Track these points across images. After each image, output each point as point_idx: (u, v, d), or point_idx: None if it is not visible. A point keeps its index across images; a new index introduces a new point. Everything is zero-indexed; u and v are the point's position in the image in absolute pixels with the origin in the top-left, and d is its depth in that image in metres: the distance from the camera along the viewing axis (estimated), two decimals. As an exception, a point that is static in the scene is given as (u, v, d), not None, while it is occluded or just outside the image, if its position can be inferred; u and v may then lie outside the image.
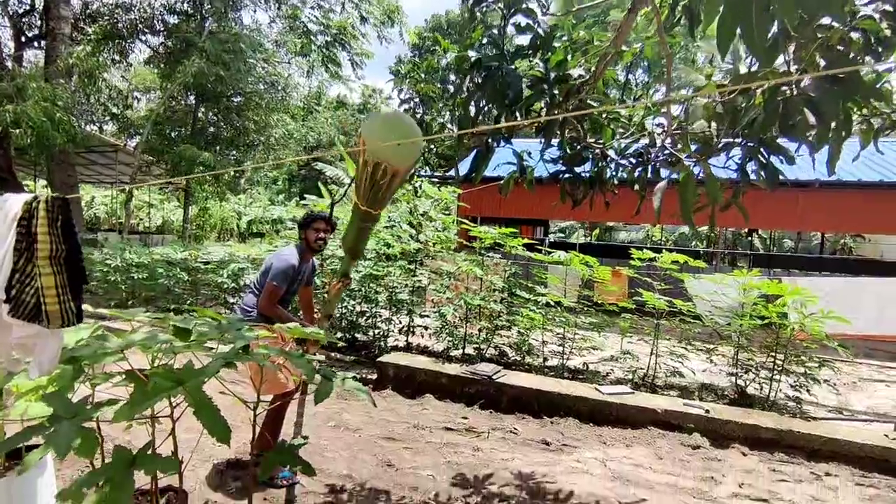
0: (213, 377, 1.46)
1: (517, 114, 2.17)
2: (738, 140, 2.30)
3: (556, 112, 2.00)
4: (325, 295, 3.15)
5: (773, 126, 1.66)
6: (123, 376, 1.35)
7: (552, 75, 1.91)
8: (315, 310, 3.53)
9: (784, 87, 1.59)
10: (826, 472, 3.37)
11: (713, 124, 2.36)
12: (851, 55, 1.64)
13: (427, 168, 3.82)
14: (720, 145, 2.35)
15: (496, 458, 3.41)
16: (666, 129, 2.32)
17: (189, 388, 1.15)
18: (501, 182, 3.02)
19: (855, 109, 1.97)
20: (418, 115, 3.04)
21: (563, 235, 25.52)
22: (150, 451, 1.31)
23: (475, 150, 2.60)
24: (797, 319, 4.44)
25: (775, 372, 4.60)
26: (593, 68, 1.96)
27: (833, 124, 1.71)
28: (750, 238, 18.46)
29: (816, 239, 23.07)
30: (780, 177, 2.38)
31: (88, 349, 1.40)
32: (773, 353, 4.62)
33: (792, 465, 3.47)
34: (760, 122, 1.73)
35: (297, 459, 1.48)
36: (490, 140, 2.42)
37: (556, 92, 1.90)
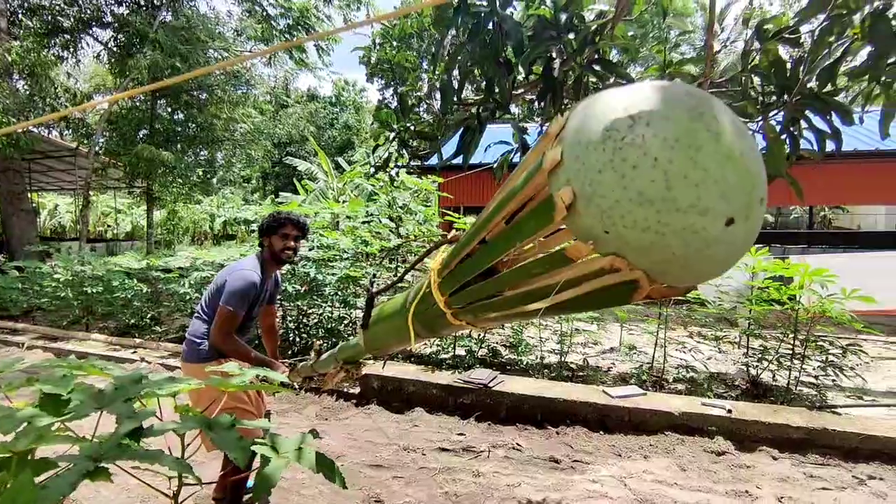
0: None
1: (517, 74, 1.69)
2: (785, 98, 1.86)
3: (568, 68, 1.54)
4: (311, 359, 2.28)
5: (886, 60, 1.22)
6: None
7: (562, 17, 1.44)
8: (279, 340, 2.90)
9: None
10: (869, 474, 3.02)
11: (755, 79, 1.91)
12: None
13: (404, 151, 3.30)
14: (764, 105, 1.90)
15: (500, 484, 2.97)
16: (698, 86, 1.87)
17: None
18: (490, 166, 2.55)
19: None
20: (396, 92, 2.53)
21: (545, 221, 25.21)
22: None
23: (462, 128, 2.10)
24: (814, 301, 4.10)
25: (792, 359, 4.26)
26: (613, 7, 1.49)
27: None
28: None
29: (795, 212, 23.25)
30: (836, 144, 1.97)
31: None
32: (791, 340, 4.28)
33: (829, 469, 3.11)
34: (869, 60, 1.28)
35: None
36: (481, 112, 1.93)
37: (572, 38, 1.43)
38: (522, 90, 1.89)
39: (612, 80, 1.79)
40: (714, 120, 0.69)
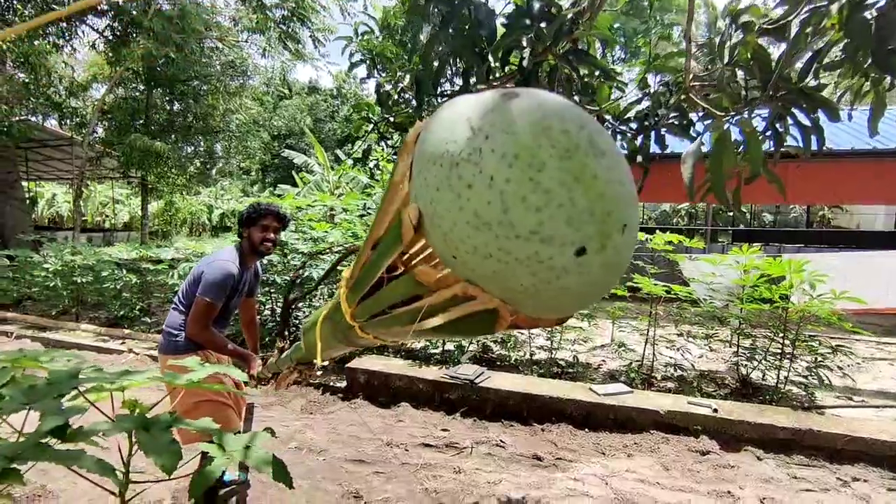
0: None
1: (489, 64, 1.64)
2: (771, 92, 1.81)
3: (542, 59, 1.49)
4: (273, 358, 2.28)
5: (863, 54, 1.18)
6: None
7: (536, 5, 1.39)
8: (258, 334, 2.88)
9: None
10: (853, 476, 2.99)
11: (739, 73, 1.86)
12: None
13: (384, 143, 3.26)
14: (747, 100, 1.86)
15: (481, 481, 2.94)
16: (682, 80, 1.82)
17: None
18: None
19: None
20: (374, 83, 2.48)
21: (544, 217, 25.13)
22: None
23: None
24: (804, 301, 4.06)
25: (782, 358, 4.23)
26: (590, -4, 1.44)
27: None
28: (732, 213, 18.33)
29: (794, 211, 23.20)
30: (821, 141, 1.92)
31: None
32: (780, 339, 4.25)
33: (814, 470, 3.09)
34: (848, 52, 1.24)
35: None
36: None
37: (542, 27, 1.38)
38: (501, 80, 1.85)
39: (596, 73, 1.74)
40: (564, 135, 0.60)
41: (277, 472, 1.12)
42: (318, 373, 1.86)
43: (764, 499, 2.75)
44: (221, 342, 2.36)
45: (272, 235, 2.42)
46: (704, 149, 1.70)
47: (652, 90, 2.30)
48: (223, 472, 2.60)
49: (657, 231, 4.87)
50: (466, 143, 0.62)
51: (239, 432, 2.49)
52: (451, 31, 1.71)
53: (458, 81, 2.06)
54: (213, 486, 2.51)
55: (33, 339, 5.95)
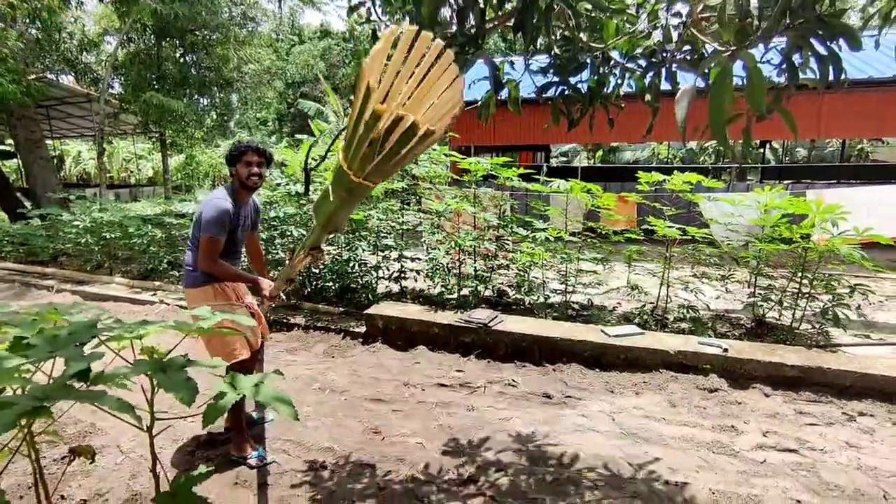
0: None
1: (481, 5, 1.59)
2: (788, 21, 1.71)
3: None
4: (287, 261, 2.56)
5: None
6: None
7: (528, -62, 1.31)
8: (267, 266, 3.10)
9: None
10: (860, 411, 3.04)
11: (752, 2, 1.76)
12: None
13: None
14: (759, 32, 1.76)
15: (493, 418, 3.10)
16: (689, 14, 1.73)
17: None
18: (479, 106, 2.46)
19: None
20: (373, 24, 2.42)
21: (565, 160, 24.53)
22: None
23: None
24: (825, 239, 3.97)
25: (798, 298, 4.20)
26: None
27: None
28: (761, 149, 17.56)
29: (831, 146, 22.07)
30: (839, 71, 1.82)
31: None
32: (798, 279, 4.20)
33: (820, 405, 3.15)
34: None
35: None
36: (455, 47, 1.83)
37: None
38: (498, 19, 1.79)
39: (583, 15, 1.66)
40: None
41: (287, 408, 1.22)
42: (324, 256, 2.27)
43: (767, 432, 2.83)
44: (231, 271, 2.62)
45: (256, 170, 2.63)
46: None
47: (663, 23, 2.19)
48: (242, 407, 2.81)
49: (675, 171, 4.74)
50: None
51: (250, 371, 2.67)
52: (445, -31, 1.65)
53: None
54: (238, 419, 2.73)
55: (72, 292, 6.30)
